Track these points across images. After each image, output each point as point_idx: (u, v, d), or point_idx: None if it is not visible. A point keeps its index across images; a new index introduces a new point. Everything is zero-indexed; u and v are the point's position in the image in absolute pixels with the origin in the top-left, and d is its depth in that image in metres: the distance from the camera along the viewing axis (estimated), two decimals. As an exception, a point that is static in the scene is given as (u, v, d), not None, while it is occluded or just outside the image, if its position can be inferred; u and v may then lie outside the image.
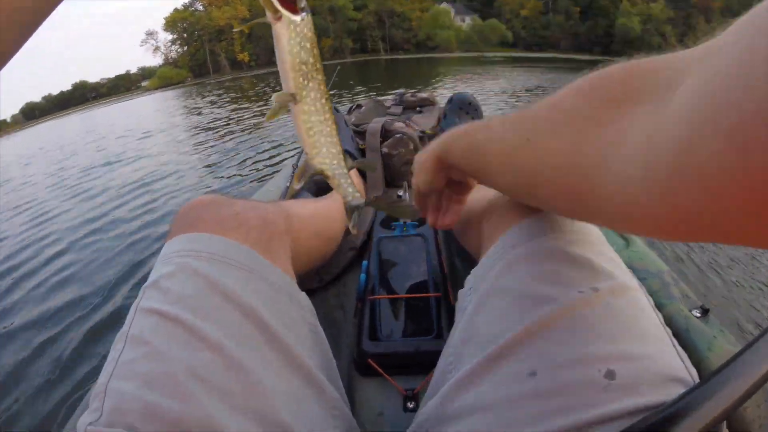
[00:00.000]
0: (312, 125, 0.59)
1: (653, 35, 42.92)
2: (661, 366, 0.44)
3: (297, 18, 0.52)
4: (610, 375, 0.43)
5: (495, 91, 10.29)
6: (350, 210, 0.68)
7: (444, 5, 62.21)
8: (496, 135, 0.51)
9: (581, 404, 0.42)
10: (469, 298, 0.63)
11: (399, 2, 59.09)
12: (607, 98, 0.37)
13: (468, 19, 60.88)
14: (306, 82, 0.56)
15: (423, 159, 0.67)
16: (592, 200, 0.37)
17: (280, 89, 0.56)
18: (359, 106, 1.81)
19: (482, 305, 0.59)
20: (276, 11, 0.50)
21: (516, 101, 7.94)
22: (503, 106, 7.15)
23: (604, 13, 47.35)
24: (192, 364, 0.48)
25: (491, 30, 56.75)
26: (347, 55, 57.17)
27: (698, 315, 0.78)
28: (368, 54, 59.06)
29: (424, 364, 0.76)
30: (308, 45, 0.54)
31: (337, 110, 1.50)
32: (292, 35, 0.53)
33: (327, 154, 0.62)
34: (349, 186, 0.67)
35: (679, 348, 0.48)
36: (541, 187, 0.45)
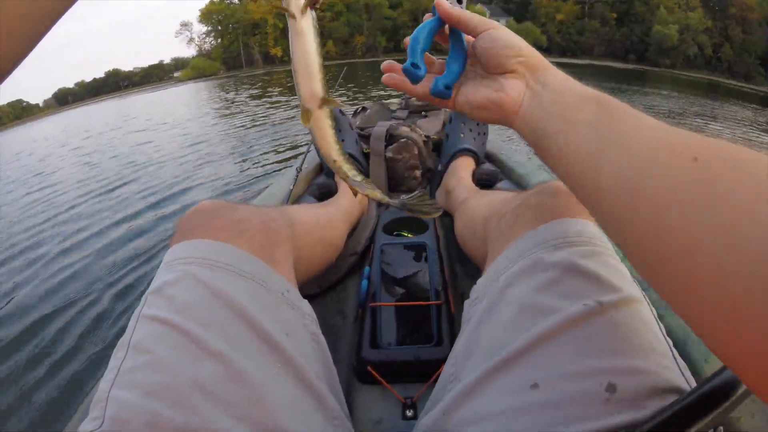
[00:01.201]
0: (335, 128, 0.57)
1: (690, 45, 42.11)
2: (661, 379, 0.44)
3: (313, 12, 0.49)
4: (611, 388, 0.43)
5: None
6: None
7: (479, 6, 61.92)
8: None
9: (582, 417, 0.43)
10: (474, 308, 0.64)
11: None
12: None
13: (503, 21, 60.54)
14: (324, 81, 0.52)
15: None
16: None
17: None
18: (364, 109, 1.81)
19: (487, 316, 0.59)
20: (307, 5, 0.47)
21: None
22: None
23: (641, 20, 46.67)
24: (195, 374, 0.48)
25: (526, 34, 56.16)
26: (380, 54, 57.21)
27: None
28: (401, 53, 58.83)
29: (423, 372, 0.77)
30: (320, 40, 0.51)
31: (342, 113, 1.50)
32: (315, 31, 0.49)
33: (346, 156, 0.61)
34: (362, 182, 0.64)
35: (680, 360, 0.49)
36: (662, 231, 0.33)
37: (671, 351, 0.49)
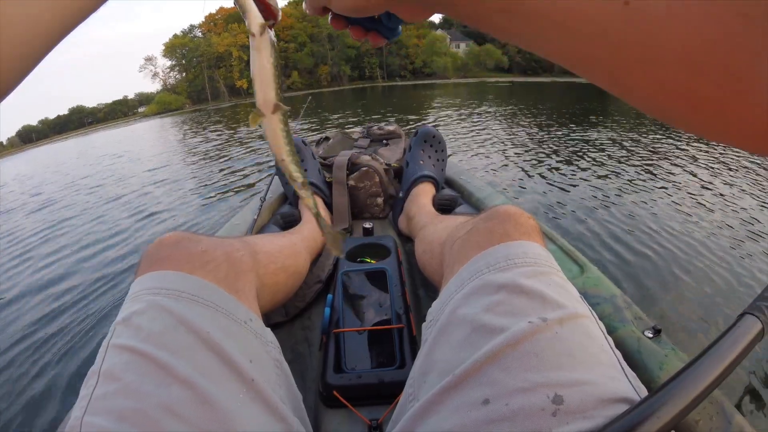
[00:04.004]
0: (287, 131, 0.61)
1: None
2: (608, 389, 0.46)
3: (272, 31, 0.54)
4: (558, 400, 0.45)
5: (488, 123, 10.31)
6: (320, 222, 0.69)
7: (440, 32, 63.18)
8: None
9: (532, 430, 0.45)
10: (429, 330, 0.65)
11: (396, 30, 59.80)
12: None
13: (464, 45, 61.78)
14: (280, 91, 0.58)
15: None
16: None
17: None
18: (327, 139, 1.84)
19: (440, 336, 0.61)
20: (264, 25, 0.52)
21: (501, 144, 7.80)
22: (491, 147, 7.11)
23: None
24: (163, 399, 0.49)
25: (487, 55, 57.57)
26: (345, 82, 57.82)
27: (650, 336, 0.80)
28: (366, 81, 59.73)
29: (387, 394, 0.79)
30: (277, 55, 0.56)
31: (305, 143, 1.53)
32: (272, 47, 0.55)
33: (295, 158, 0.64)
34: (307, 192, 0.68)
35: (628, 370, 0.51)
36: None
37: (619, 362, 0.51)
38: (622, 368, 0.50)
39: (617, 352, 0.53)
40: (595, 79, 0.31)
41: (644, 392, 0.48)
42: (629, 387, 0.48)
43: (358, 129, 1.95)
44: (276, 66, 0.55)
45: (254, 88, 0.56)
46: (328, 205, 1.49)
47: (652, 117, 0.32)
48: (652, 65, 0.25)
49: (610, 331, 0.80)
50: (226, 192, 5.21)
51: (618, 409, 0.44)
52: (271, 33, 0.53)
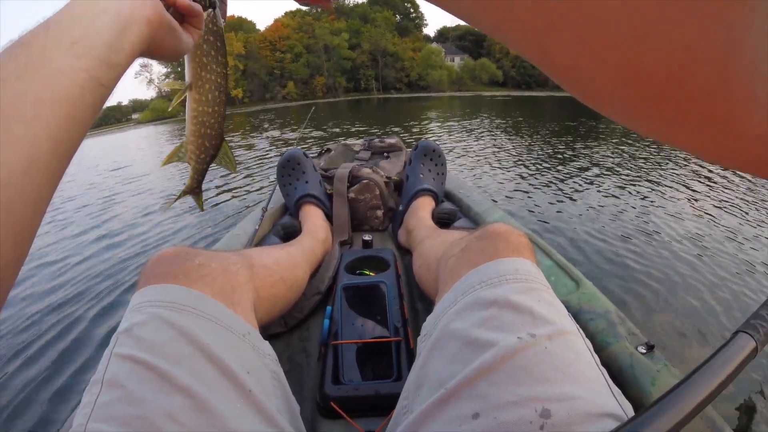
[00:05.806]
0: (197, 114, 0.65)
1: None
2: (595, 404, 0.47)
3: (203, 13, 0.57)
4: (546, 414, 0.46)
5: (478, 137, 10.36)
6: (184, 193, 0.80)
7: (435, 45, 63.57)
8: None
9: None
10: (423, 344, 0.67)
11: (392, 42, 60.38)
12: None
13: (458, 59, 62.20)
14: (202, 72, 0.61)
15: None
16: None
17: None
18: (329, 151, 1.86)
19: (434, 351, 0.62)
20: None
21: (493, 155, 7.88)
22: (483, 162, 7.15)
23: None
24: (165, 406, 0.51)
25: (482, 69, 57.98)
26: (340, 94, 57.92)
27: (643, 351, 0.80)
28: (361, 93, 59.89)
29: (384, 406, 0.79)
30: (211, 38, 0.59)
31: (306, 155, 1.55)
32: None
33: (200, 145, 0.69)
34: (193, 181, 0.77)
35: (614, 386, 0.52)
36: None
37: (605, 379, 0.53)
38: (608, 384, 0.52)
39: (603, 369, 0.54)
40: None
41: (629, 408, 0.49)
42: (615, 403, 0.49)
43: (359, 141, 1.97)
44: (196, 43, 0.59)
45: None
46: (329, 217, 1.51)
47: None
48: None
49: (604, 346, 0.82)
50: (227, 201, 5.19)
51: (603, 424, 0.46)
52: (204, 13, 0.58)
